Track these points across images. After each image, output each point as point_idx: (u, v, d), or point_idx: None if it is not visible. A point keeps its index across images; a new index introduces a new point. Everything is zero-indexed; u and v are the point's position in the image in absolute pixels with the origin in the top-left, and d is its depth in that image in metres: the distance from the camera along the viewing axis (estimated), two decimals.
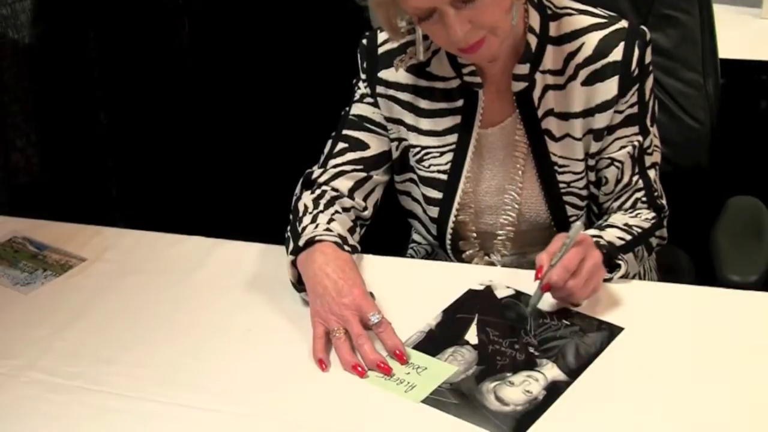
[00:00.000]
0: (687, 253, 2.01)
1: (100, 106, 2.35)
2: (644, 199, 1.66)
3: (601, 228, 1.59)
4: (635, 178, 1.64)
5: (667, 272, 1.87)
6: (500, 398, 1.30)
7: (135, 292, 1.62)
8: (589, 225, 1.69)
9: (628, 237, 1.57)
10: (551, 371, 1.34)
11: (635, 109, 1.60)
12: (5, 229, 1.83)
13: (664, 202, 1.69)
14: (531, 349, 1.38)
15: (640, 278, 1.74)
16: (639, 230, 1.60)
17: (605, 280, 1.51)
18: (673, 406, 1.27)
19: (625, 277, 1.53)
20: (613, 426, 1.24)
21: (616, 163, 1.63)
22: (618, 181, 1.64)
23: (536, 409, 1.27)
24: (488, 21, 1.45)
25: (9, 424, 1.33)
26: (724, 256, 1.74)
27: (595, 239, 1.50)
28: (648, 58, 1.59)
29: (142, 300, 1.59)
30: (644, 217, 1.64)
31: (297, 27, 2.31)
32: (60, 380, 1.41)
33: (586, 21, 1.59)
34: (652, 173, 1.66)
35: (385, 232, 1.76)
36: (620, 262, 1.52)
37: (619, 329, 1.42)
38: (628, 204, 1.66)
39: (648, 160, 1.65)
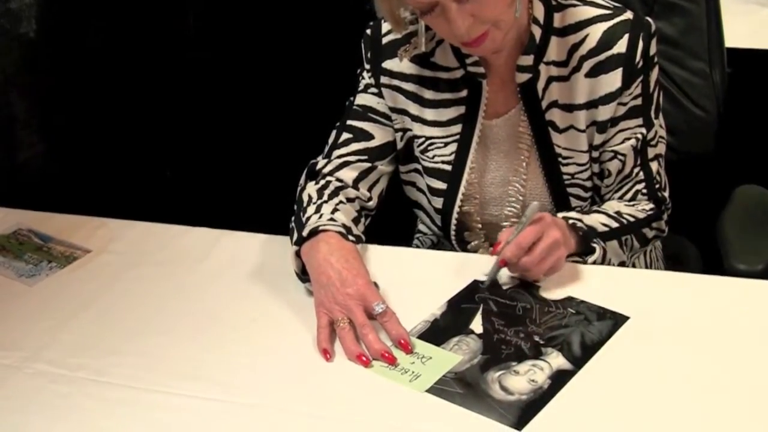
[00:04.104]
0: (694, 242, 2.01)
1: (105, 99, 2.35)
2: (645, 191, 1.65)
3: (588, 213, 1.59)
4: (636, 170, 1.64)
5: (674, 262, 1.87)
6: (505, 387, 1.29)
7: (140, 284, 1.62)
8: None
9: (615, 224, 1.57)
10: (556, 360, 1.34)
11: (639, 101, 1.60)
12: (10, 221, 1.83)
13: (666, 194, 1.68)
14: (536, 338, 1.38)
15: (646, 267, 1.74)
16: (630, 219, 1.60)
17: (577, 262, 1.51)
18: (678, 394, 1.26)
19: (602, 263, 1.53)
20: (618, 415, 1.24)
21: (620, 156, 1.62)
22: (619, 173, 1.64)
23: (541, 398, 1.27)
24: (491, 14, 1.44)
25: (14, 415, 1.33)
26: (731, 245, 1.73)
27: (571, 221, 1.51)
28: (653, 50, 1.58)
29: (146, 291, 1.59)
30: (641, 208, 1.64)
31: (301, 17, 2.31)
32: (64, 371, 1.41)
33: (591, 12, 1.58)
34: (654, 165, 1.66)
35: (391, 222, 1.76)
36: (594, 245, 1.52)
37: (625, 318, 1.41)
38: (629, 196, 1.65)
39: (651, 152, 1.65)
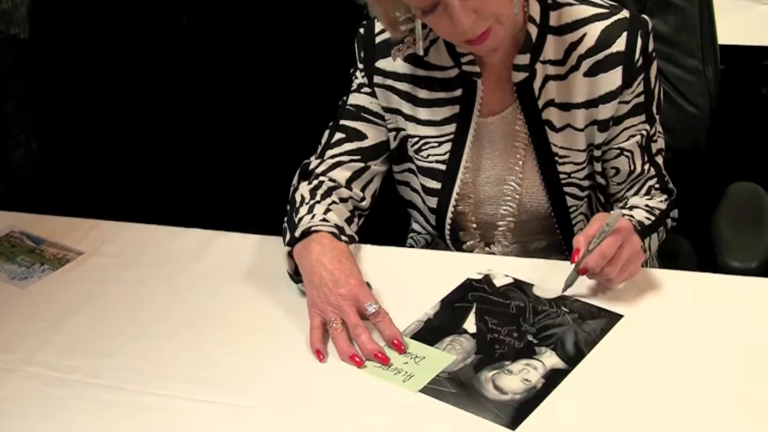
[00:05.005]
0: (688, 239, 2.00)
1: (97, 100, 2.35)
2: (657, 185, 1.66)
3: (630, 209, 1.60)
4: (647, 167, 1.65)
5: (669, 259, 1.86)
6: (499, 387, 1.29)
7: (133, 285, 1.61)
8: (592, 214, 1.69)
9: (652, 218, 1.59)
10: (550, 359, 1.33)
11: (642, 99, 1.60)
12: (2, 224, 1.83)
13: (672, 185, 1.69)
14: (530, 337, 1.38)
15: (642, 265, 1.73)
16: (659, 211, 1.62)
17: None
18: (672, 393, 1.26)
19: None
20: (612, 414, 1.24)
21: (626, 153, 1.63)
22: (631, 172, 1.64)
23: (535, 397, 1.27)
24: (493, 9, 1.43)
25: (7, 419, 1.33)
26: (725, 242, 1.73)
27: (626, 218, 1.51)
28: (651, 46, 1.58)
29: (140, 293, 1.59)
30: (659, 199, 1.65)
31: (294, 17, 2.30)
32: (58, 374, 1.40)
33: (588, 11, 1.58)
34: (660, 159, 1.67)
35: (385, 222, 1.75)
36: (644, 248, 1.52)
37: (619, 317, 1.41)
38: (643, 191, 1.66)
39: (654, 147, 1.66)
